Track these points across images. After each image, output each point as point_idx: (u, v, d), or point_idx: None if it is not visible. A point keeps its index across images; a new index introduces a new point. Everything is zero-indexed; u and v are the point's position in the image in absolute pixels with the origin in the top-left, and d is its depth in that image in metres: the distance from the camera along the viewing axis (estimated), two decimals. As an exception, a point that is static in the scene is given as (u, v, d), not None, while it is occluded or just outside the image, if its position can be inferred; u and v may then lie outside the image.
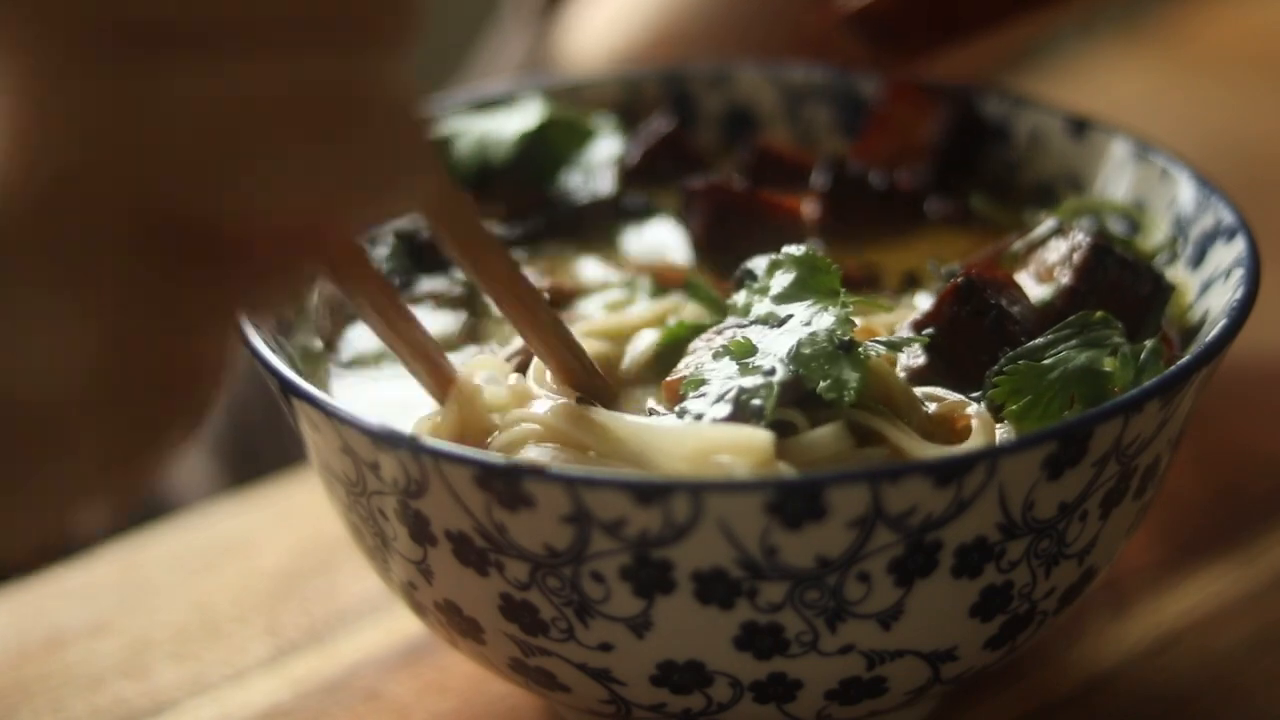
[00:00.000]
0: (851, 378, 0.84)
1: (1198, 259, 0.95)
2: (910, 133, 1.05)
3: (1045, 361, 0.87)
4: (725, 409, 0.84)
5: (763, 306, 0.89)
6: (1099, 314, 0.89)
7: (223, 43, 0.62)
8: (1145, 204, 0.99)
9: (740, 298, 0.90)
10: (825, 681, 0.84)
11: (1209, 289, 0.92)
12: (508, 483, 0.79)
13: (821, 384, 0.83)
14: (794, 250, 0.90)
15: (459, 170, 0.99)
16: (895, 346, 0.89)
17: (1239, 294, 0.89)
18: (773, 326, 0.88)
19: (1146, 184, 0.99)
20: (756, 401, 0.84)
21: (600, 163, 1.05)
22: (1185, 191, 0.97)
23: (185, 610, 1.04)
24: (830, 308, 0.87)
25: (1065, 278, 0.93)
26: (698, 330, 0.90)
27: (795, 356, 0.85)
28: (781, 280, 0.89)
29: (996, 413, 0.87)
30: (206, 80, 0.62)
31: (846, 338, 0.85)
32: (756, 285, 0.90)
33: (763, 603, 0.81)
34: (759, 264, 0.91)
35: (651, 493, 0.78)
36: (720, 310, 0.93)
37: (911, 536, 0.80)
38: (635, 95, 1.09)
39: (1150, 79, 1.53)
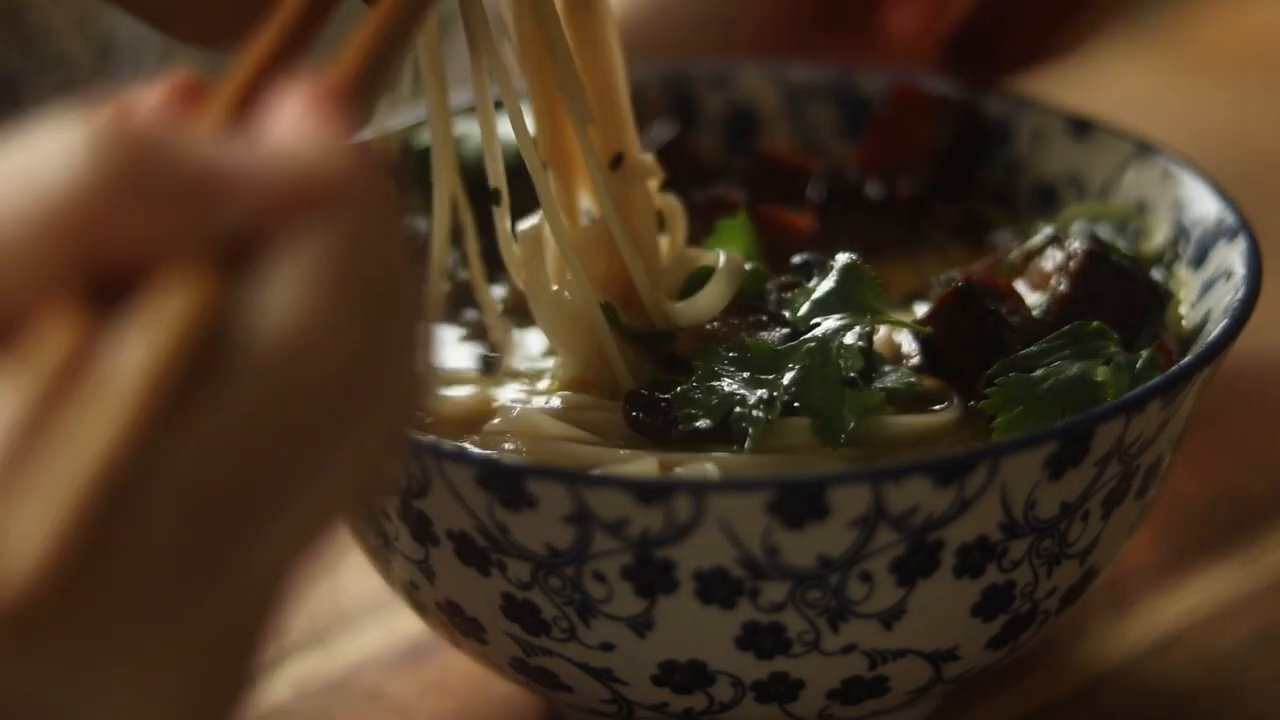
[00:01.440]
0: (848, 419, 0.84)
1: (1199, 259, 0.95)
2: (912, 137, 1.05)
3: (1037, 373, 0.87)
4: (707, 422, 0.86)
5: (804, 307, 0.89)
6: (1094, 324, 0.89)
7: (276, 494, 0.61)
8: (1147, 204, 0.99)
9: (794, 292, 0.91)
10: (827, 681, 0.84)
11: (1210, 289, 0.92)
12: (510, 482, 0.80)
13: (815, 421, 0.85)
14: (841, 258, 0.90)
15: (466, 174, 0.99)
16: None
17: (1240, 294, 0.89)
18: (800, 329, 0.89)
19: (1148, 184, 0.99)
20: (745, 426, 0.85)
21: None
22: (1187, 191, 0.97)
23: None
24: (854, 329, 0.87)
25: (1061, 285, 0.93)
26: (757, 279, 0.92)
27: (801, 385, 0.86)
28: (824, 285, 0.90)
29: (988, 422, 0.87)
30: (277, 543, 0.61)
31: (853, 374, 0.85)
32: (801, 290, 0.90)
33: (764, 602, 0.81)
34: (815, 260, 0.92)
35: (653, 492, 0.78)
36: (760, 262, 0.94)
37: (913, 536, 0.80)
38: (636, 96, 1.09)
39: (1151, 79, 1.53)
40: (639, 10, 1.22)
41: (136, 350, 0.58)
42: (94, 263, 0.59)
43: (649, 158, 0.93)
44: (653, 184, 0.93)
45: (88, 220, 0.59)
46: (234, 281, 0.60)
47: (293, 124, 0.62)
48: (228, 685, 0.61)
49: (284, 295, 0.60)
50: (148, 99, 0.64)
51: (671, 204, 0.95)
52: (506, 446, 0.87)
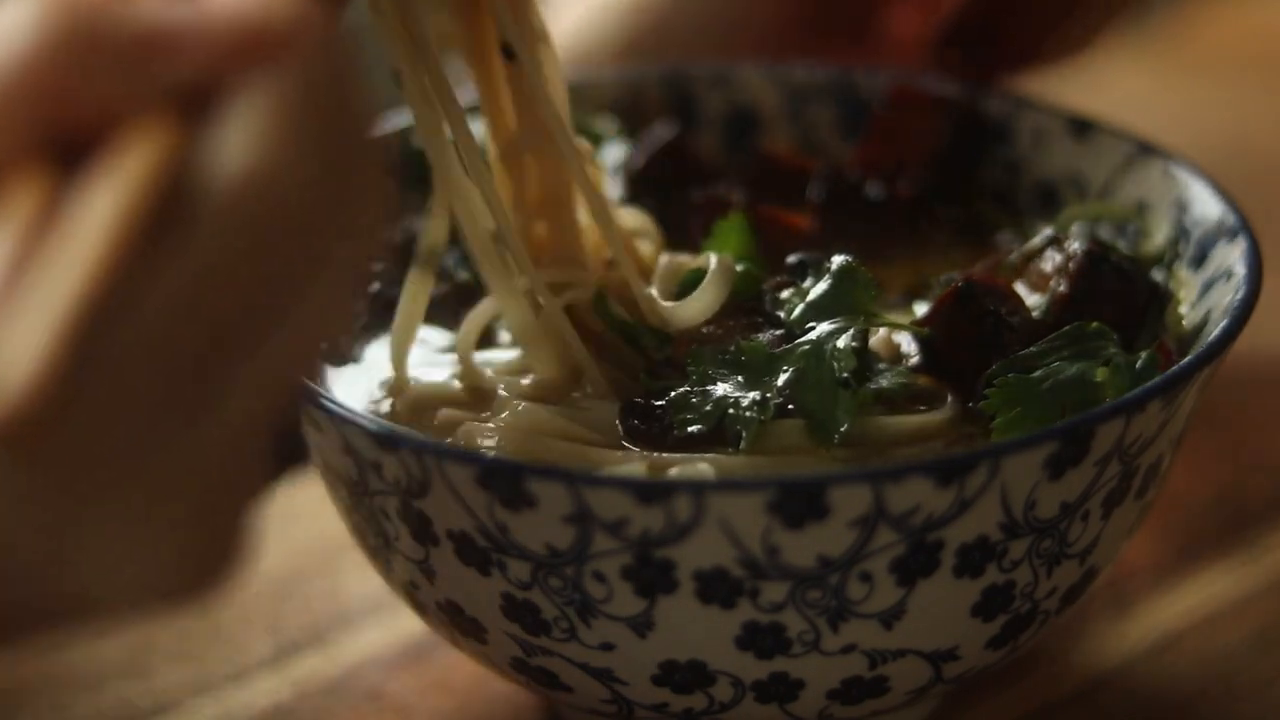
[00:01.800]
0: (842, 420, 0.84)
1: (1199, 259, 0.95)
2: (912, 137, 1.05)
3: (1036, 374, 0.87)
4: (700, 427, 0.86)
5: (799, 309, 0.90)
6: (1094, 325, 0.89)
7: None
8: (1147, 204, 0.99)
9: (788, 292, 0.91)
10: (827, 681, 0.84)
11: (1211, 289, 0.92)
12: (510, 482, 0.79)
13: (809, 422, 0.85)
14: (836, 260, 0.91)
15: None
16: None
17: (1240, 294, 0.89)
18: (795, 332, 0.89)
19: (1149, 184, 0.99)
20: (739, 428, 0.85)
21: (606, 169, 1.05)
22: (1187, 191, 0.97)
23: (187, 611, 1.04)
24: (848, 332, 0.87)
25: (1060, 286, 0.93)
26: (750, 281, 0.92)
27: (795, 388, 0.86)
28: (819, 288, 0.90)
29: (983, 421, 0.87)
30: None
31: (845, 374, 0.85)
32: (795, 291, 0.91)
33: (764, 602, 0.81)
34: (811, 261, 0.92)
35: (654, 492, 0.78)
36: (756, 264, 0.94)
37: (913, 536, 0.80)
38: (637, 96, 1.09)
39: (1151, 79, 1.53)
40: (642, 13, 1.22)
41: (102, 197, 0.61)
42: (56, 125, 0.62)
43: (584, 144, 0.93)
44: (593, 170, 0.93)
45: (46, 84, 0.61)
46: (193, 131, 0.62)
47: None
48: (219, 532, 0.64)
49: (241, 139, 0.62)
50: None
51: (641, 218, 0.95)
52: (491, 441, 0.87)
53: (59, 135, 0.62)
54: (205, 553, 0.63)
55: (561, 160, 0.90)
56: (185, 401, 0.62)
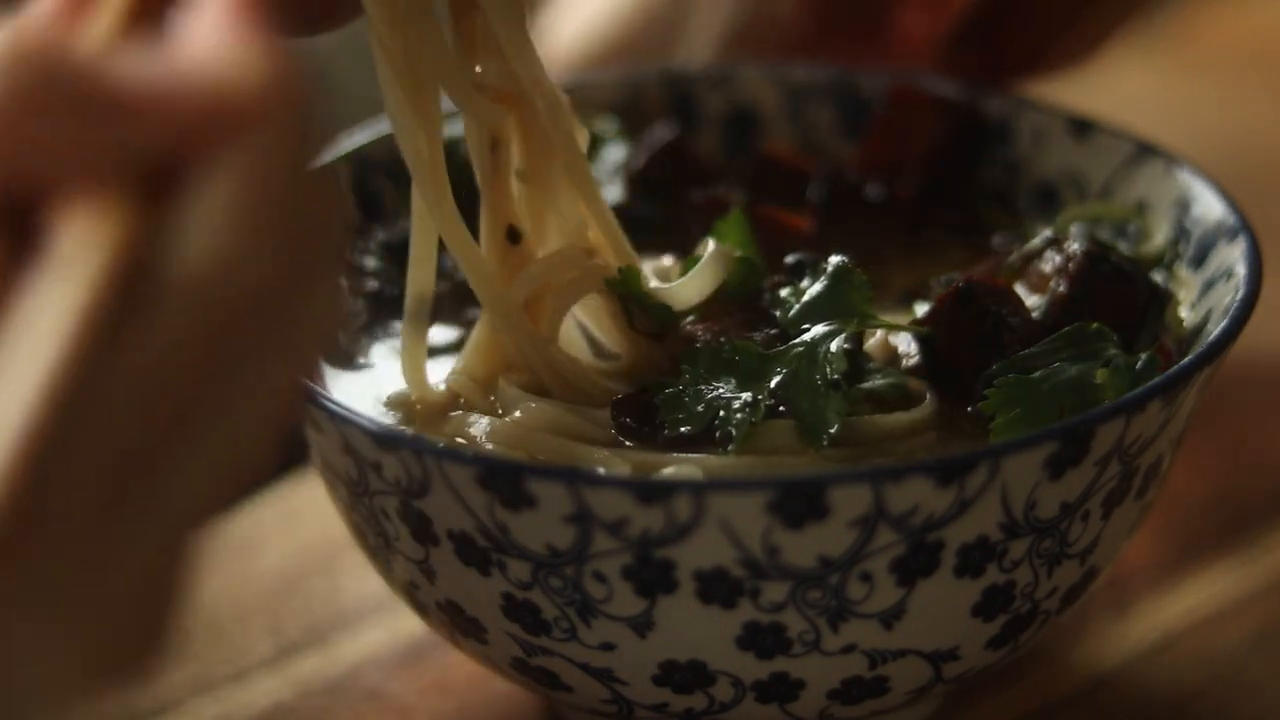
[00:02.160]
0: (833, 421, 0.84)
1: (1200, 259, 0.95)
2: (912, 137, 1.05)
3: (1036, 375, 0.87)
4: (690, 427, 0.86)
5: (794, 309, 0.90)
6: (1094, 326, 0.89)
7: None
8: (1147, 205, 0.99)
9: (786, 291, 0.91)
10: (827, 681, 0.84)
11: (1211, 289, 0.92)
12: (510, 482, 0.79)
13: (800, 424, 0.85)
14: (832, 260, 0.91)
15: (465, 176, 1.00)
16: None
17: (1240, 294, 0.89)
18: (790, 332, 0.89)
19: (1149, 184, 0.99)
20: (730, 429, 0.85)
21: (606, 169, 1.05)
22: (1188, 191, 0.97)
23: (187, 610, 1.04)
24: (841, 335, 0.87)
25: (1060, 287, 0.93)
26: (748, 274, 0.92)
27: (788, 389, 0.86)
28: (814, 289, 0.90)
29: (986, 423, 0.87)
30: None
31: (836, 376, 0.85)
32: (792, 290, 0.91)
33: (765, 602, 0.81)
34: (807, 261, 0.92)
35: (654, 492, 0.78)
36: (754, 251, 0.94)
37: (913, 536, 0.80)
38: (637, 96, 1.09)
39: (1150, 79, 1.53)
40: (649, 14, 1.22)
41: (60, 292, 0.59)
42: (11, 177, 0.60)
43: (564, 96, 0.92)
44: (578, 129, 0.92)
45: (3, 130, 0.59)
46: (154, 209, 0.61)
47: (207, 36, 0.62)
48: (151, 623, 0.62)
49: (205, 223, 0.61)
50: (41, 9, 0.64)
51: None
52: (480, 432, 0.87)
53: (13, 192, 0.60)
54: (136, 644, 0.62)
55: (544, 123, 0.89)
56: (131, 500, 0.60)
